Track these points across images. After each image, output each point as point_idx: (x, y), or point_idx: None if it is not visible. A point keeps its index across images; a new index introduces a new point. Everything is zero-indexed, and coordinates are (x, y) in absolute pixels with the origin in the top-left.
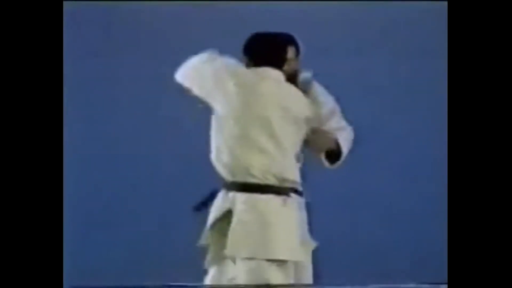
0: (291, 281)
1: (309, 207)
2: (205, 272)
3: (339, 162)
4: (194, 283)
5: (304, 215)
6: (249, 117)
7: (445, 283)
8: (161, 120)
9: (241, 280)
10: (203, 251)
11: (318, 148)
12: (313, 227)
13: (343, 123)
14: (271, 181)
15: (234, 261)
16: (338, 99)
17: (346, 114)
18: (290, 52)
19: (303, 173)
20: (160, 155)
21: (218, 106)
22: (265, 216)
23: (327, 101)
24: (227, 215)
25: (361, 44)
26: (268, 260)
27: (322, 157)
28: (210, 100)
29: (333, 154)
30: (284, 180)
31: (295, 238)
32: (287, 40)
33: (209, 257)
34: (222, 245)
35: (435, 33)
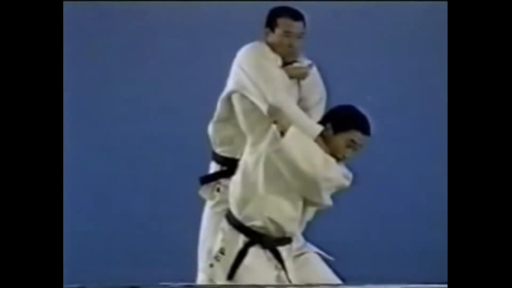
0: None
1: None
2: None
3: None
4: (190, 282)
5: None
6: None
7: (445, 283)
8: (161, 119)
9: None
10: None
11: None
12: (315, 226)
13: (319, 116)
14: None
15: None
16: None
17: None
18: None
19: None
20: (159, 155)
21: None
22: None
23: (320, 89)
24: None
25: (361, 44)
26: None
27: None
28: None
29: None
30: None
31: None
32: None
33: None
34: None
35: (435, 33)
